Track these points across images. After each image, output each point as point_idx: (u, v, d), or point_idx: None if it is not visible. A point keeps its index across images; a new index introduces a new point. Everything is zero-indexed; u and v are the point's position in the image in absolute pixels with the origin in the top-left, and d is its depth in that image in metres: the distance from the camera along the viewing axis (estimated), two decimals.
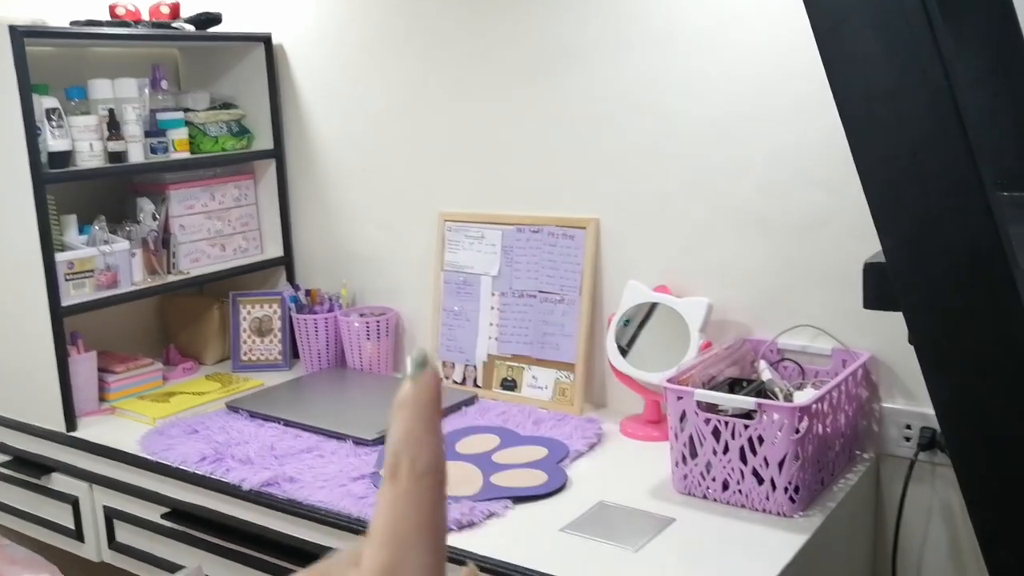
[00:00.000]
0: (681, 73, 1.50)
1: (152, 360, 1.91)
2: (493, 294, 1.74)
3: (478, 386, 1.74)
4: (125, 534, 1.63)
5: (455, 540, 1.19)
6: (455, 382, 1.77)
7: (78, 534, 1.70)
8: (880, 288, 0.72)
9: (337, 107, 1.93)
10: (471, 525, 1.23)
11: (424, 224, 1.84)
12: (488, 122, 1.72)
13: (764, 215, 1.44)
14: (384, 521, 0.33)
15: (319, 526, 1.32)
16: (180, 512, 1.52)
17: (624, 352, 1.53)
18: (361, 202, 1.94)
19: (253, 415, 1.67)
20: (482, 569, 1.15)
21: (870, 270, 0.73)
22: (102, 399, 1.81)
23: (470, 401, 1.68)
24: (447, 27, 1.73)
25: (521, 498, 1.30)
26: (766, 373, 1.32)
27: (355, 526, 1.27)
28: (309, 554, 1.34)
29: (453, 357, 1.78)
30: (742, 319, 1.47)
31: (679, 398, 1.23)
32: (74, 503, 1.69)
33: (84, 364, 1.76)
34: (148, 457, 1.54)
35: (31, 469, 1.74)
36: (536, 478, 1.34)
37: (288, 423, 1.61)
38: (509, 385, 1.71)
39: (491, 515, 1.25)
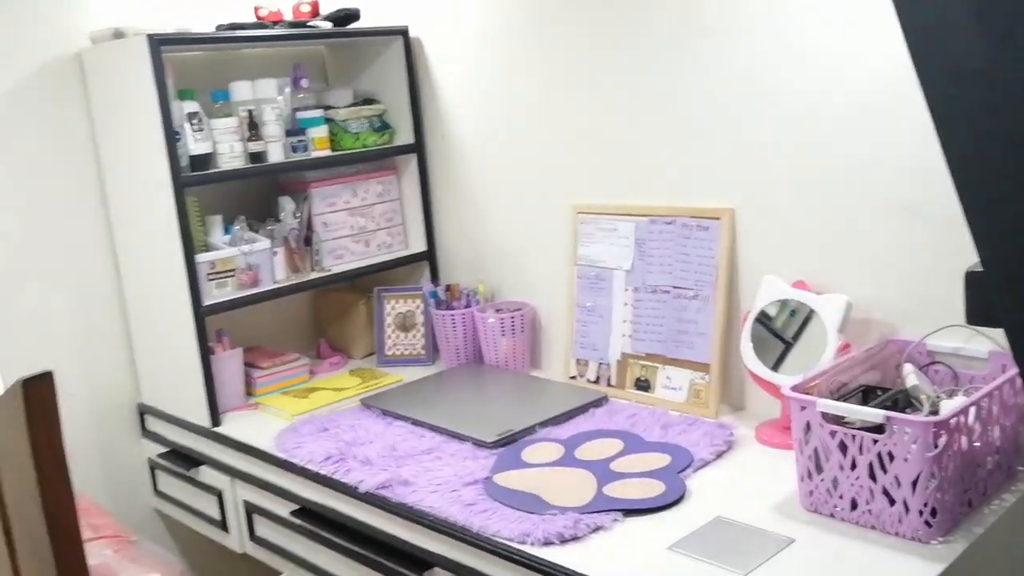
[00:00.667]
0: (820, 54, 1.35)
1: (299, 355, 1.94)
2: (626, 289, 1.65)
3: (612, 385, 1.66)
4: (264, 528, 1.67)
5: (555, 554, 1.12)
6: (589, 381, 1.70)
7: (223, 525, 1.76)
8: (984, 301, 0.59)
9: (473, 99, 1.89)
10: (574, 539, 1.16)
11: (558, 217, 1.77)
12: (621, 111, 1.63)
13: (914, 203, 1.28)
14: None
15: (427, 531, 1.28)
16: (308, 510, 1.53)
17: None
18: (498, 195, 1.89)
19: (385, 413, 1.66)
20: None
21: (973, 280, 0.60)
22: (249, 393, 1.86)
23: (599, 402, 1.60)
24: (581, 16, 1.65)
25: (633, 511, 1.21)
26: (911, 378, 1.16)
27: (459, 534, 1.22)
28: (419, 559, 1.31)
29: (587, 355, 1.70)
30: (888, 318, 1.31)
31: (802, 408, 1.10)
32: (219, 495, 1.75)
33: (229, 361, 1.81)
34: (279, 455, 1.56)
35: (183, 461, 1.82)
36: (652, 489, 1.25)
37: (416, 422, 1.59)
38: (643, 385, 1.61)
39: (597, 528, 1.18)
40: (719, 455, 1.35)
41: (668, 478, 1.28)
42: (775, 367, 1.39)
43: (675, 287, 1.57)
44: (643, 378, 1.61)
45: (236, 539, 1.74)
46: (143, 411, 1.94)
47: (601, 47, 1.63)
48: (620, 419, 1.52)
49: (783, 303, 1.39)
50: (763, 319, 1.41)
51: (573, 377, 1.73)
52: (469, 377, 1.81)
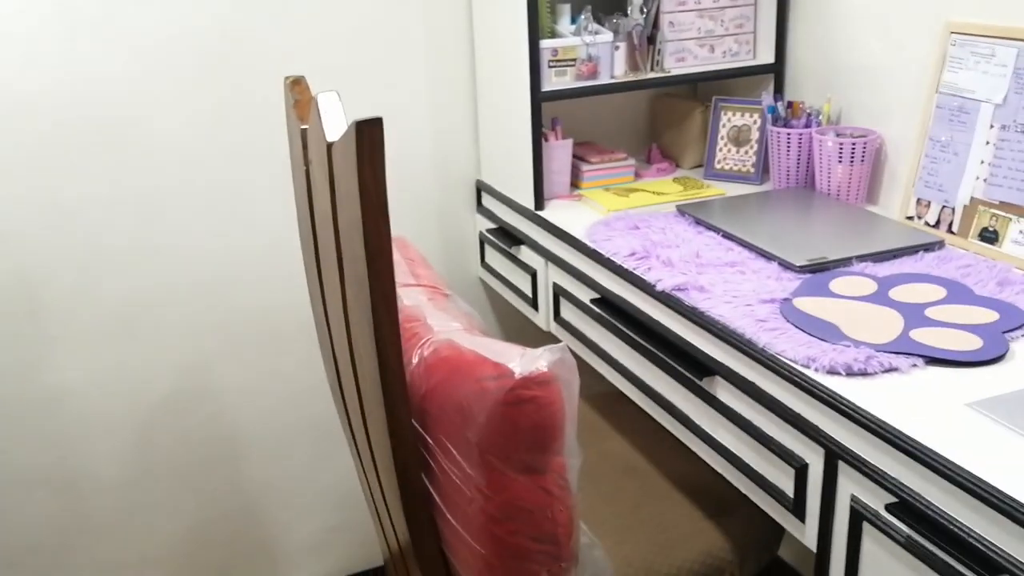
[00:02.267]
0: None
1: (627, 156, 1.95)
2: (992, 126, 1.45)
3: (952, 232, 1.50)
4: (567, 311, 1.74)
5: (838, 384, 1.07)
6: (927, 223, 1.54)
7: (534, 303, 1.86)
8: None
9: None
10: (863, 374, 1.09)
11: (926, 36, 1.57)
12: None
13: None
14: None
15: (713, 338, 1.27)
16: (607, 300, 1.57)
17: None
18: (862, 7, 1.71)
19: (698, 221, 1.63)
20: (856, 423, 1.02)
21: None
22: (574, 185, 1.91)
23: (932, 246, 1.46)
24: None
25: (938, 360, 1.11)
26: None
27: (744, 347, 1.20)
28: (701, 364, 1.30)
29: (930, 196, 1.54)
30: None
31: None
32: (533, 275, 1.84)
33: (559, 150, 1.85)
34: (589, 244, 1.60)
35: (507, 239, 1.92)
36: (967, 342, 1.13)
37: (726, 235, 1.55)
38: (989, 237, 1.44)
39: (891, 369, 1.09)
40: None
41: (990, 335, 1.15)
42: None
43: None
44: (991, 228, 1.44)
45: (543, 317, 1.84)
46: (480, 188, 2.06)
47: None
48: (951, 268, 1.37)
49: None
50: None
51: (910, 217, 1.58)
52: (795, 201, 1.71)
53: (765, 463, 1.20)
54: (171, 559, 2.07)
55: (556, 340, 1.83)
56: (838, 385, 1.07)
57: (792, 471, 1.14)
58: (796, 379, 1.11)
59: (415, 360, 1.24)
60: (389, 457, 1.20)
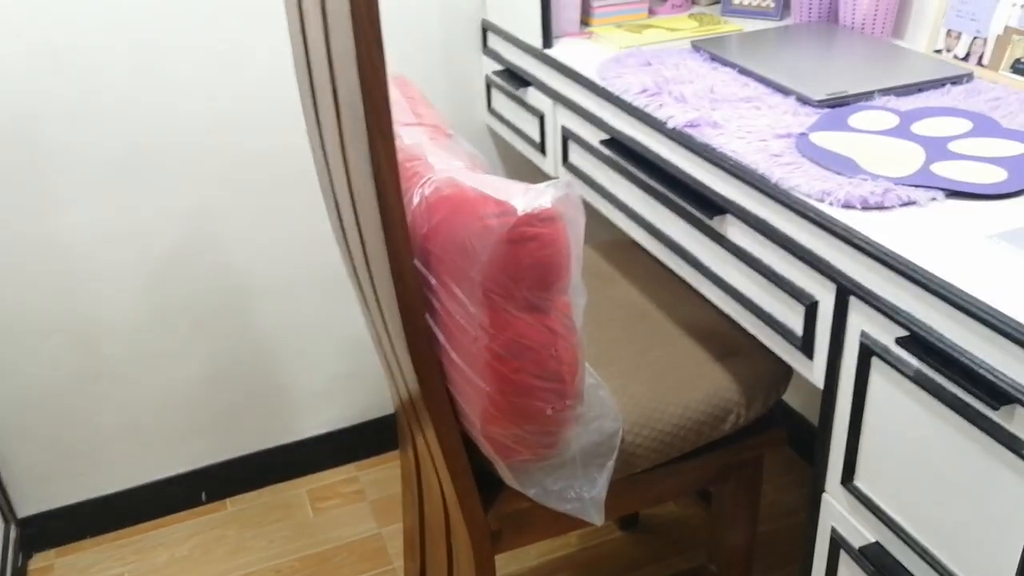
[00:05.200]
0: None
1: None
2: None
3: (983, 64, 1.42)
4: (576, 155, 1.69)
5: (853, 218, 1.03)
6: (956, 57, 1.47)
7: (541, 148, 1.81)
8: None
9: None
10: (879, 207, 1.05)
11: None
12: None
13: None
14: None
15: (725, 175, 1.22)
16: (616, 142, 1.51)
17: None
18: None
19: (713, 57, 1.56)
20: (869, 256, 0.98)
21: None
22: (585, 23, 1.82)
23: (960, 79, 1.38)
24: None
25: (959, 193, 1.06)
26: None
27: (756, 183, 1.15)
28: (713, 203, 1.26)
29: (961, 26, 1.46)
30: None
31: None
32: (541, 118, 1.78)
33: None
34: (598, 82, 1.53)
35: (514, 81, 1.85)
36: (991, 175, 1.08)
37: (742, 70, 1.48)
38: (1022, 68, 1.36)
39: (909, 203, 1.05)
40: None
41: (1015, 167, 1.10)
42: None
43: None
44: None
45: (551, 162, 1.79)
46: (485, 27, 1.98)
47: None
48: (979, 101, 1.31)
49: None
50: None
51: (938, 51, 1.50)
52: (817, 35, 1.63)
53: (775, 302, 1.18)
54: (186, 404, 2.10)
55: None
56: (853, 219, 1.03)
57: (802, 308, 1.12)
58: (809, 214, 1.07)
59: (416, 199, 1.21)
60: (393, 299, 1.19)
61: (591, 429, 1.31)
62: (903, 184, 1.07)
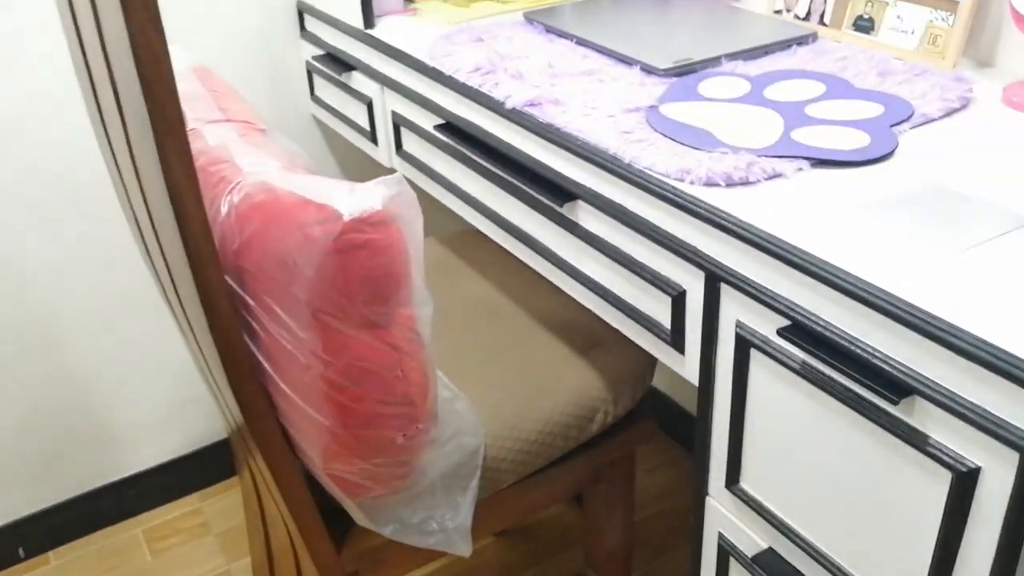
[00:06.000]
0: None
1: None
2: None
3: (824, 24, 1.36)
4: (410, 143, 1.54)
5: (717, 196, 0.93)
6: (797, 17, 1.40)
7: (372, 136, 1.65)
8: None
9: None
10: (744, 183, 0.95)
11: None
12: None
13: None
14: None
15: (572, 157, 1.11)
16: (452, 126, 1.38)
17: None
18: None
19: (548, 29, 1.44)
20: (740, 239, 0.88)
21: None
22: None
23: (805, 39, 1.32)
24: None
25: (824, 162, 0.98)
26: None
27: (608, 164, 1.04)
28: (561, 189, 1.15)
29: None
30: None
31: None
32: (368, 104, 1.62)
33: None
34: (428, 63, 1.39)
35: (337, 65, 1.69)
36: (854, 140, 1.01)
37: (580, 41, 1.37)
38: (864, 26, 1.31)
39: (775, 176, 0.96)
40: (948, 113, 1.08)
41: (876, 130, 1.03)
42: None
43: None
44: (866, 16, 1.30)
45: (384, 152, 1.64)
46: (301, 9, 1.80)
47: None
48: (827, 61, 1.24)
49: None
50: None
51: (778, 11, 1.43)
52: (654, 1, 1.54)
53: (638, 292, 1.07)
54: None
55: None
56: (717, 198, 0.93)
57: (668, 299, 1.02)
58: (669, 195, 0.96)
59: (224, 209, 1.04)
60: (204, 325, 1.02)
61: (449, 450, 1.18)
62: (766, 155, 0.98)
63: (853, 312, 0.79)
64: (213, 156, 1.11)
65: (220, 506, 2.06)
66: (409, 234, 0.96)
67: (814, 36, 1.32)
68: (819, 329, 0.82)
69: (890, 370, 0.76)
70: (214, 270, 0.97)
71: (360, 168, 2.03)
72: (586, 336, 1.40)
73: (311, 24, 1.79)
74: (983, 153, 0.99)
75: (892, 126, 1.04)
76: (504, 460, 1.25)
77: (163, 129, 0.88)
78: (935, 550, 0.78)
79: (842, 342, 0.80)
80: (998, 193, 0.90)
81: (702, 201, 0.93)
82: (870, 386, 0.77)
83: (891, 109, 1.07)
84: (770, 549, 1.00)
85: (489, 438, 1.24)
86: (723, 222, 0.90)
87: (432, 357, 1.07)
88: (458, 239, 1.74)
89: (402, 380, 1.02)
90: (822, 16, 1.36)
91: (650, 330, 1.07)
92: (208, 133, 1.16)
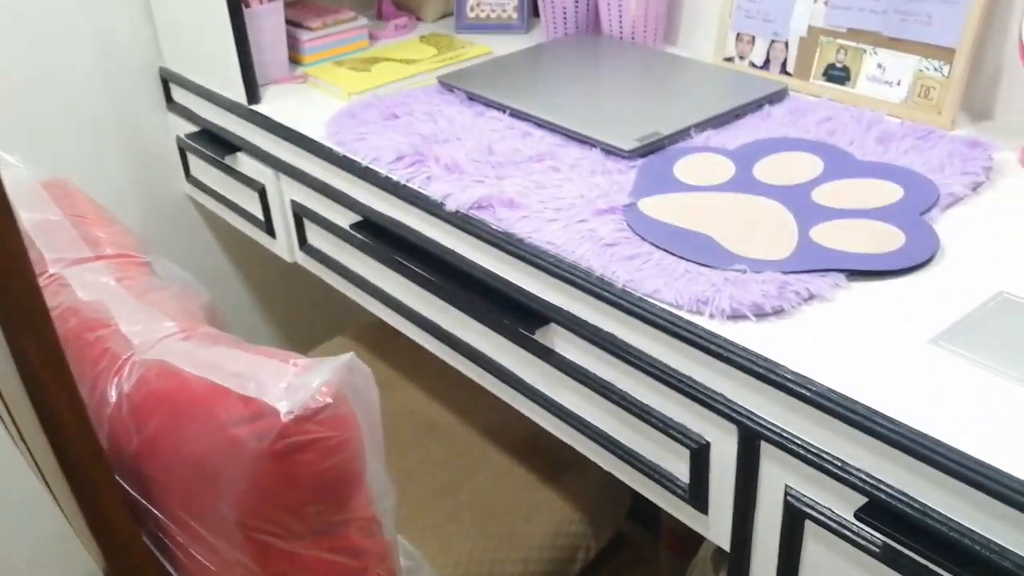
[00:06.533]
0: None
1: (355, 14, 1.49)
2: None
3: (788, 73, 1.20)
4: (316, 237, 1.31)
5: (747, 333, 0.74)
6: (753, 65, 1.24)
7: (269, 228, 1.41)
8: None
9: None
10: (778, 312, 0.77)
11: None
12: None
13: None
14: None
15: (545, 276, 0.91)
16: (373, 224, 1.16)
17: None
18: None
19: (471, 97, 1.23)
20: (787, 392, 0.70)
21: None
22: (295, 61, 1.44)
23: (779, 96, 1.15)
24: None
25: (861, 272, 0.81)
26: None
27: (595, 288, 0.84)
28: (532, 311, 0.94)
29: (754, 28, 1.23)
30: None
31: None
32: (261, 191, 1.38)
33: (268, 17, 1.36)
34: (335, 149, 1.16)
35: (217, 146, 1.43)
36: (887, 238, 0.84)
37: (515, 113, 1.17)
38: (838, 76, 1.15)
39: (811, 298, 0.78)
40: (976, 187, 0.93)
41: (908, 223, 0.86)
42: None
43: None
44: (839, 64, 1.15)
45: (284, 246, 1.40)
46: (166, 78, 1.54)
47: None
48: (809, 124, 1.08)
49: None
50: None
51: (729, 59, 1.27)
52: (581, 52, 1.35)
53: (642, 439, 0.88)
54: None
55: (307, 274, 1.40)
56: (748, 335, 0.75)
57: (686, 452, 0.83)
58: (686, 335, 0.77)
59: (112, 395, 0.79)
60: (99, 553, 0.77)
61: None
62: (793, 271, 0.80)
63: (963, 497, 0.61)
64: (87, 317, 0.86)
65: None
66: (366, 420, 0.74)
67: (784, 91, 1.16)
68: (907, 511, 0.64)
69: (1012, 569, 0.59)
70: (108, 490, 0.73)
71: (253, 256, 1.77)
72: (552, 455, 1.20)
73: (179, 95, 1.53)
74: None
75: (923, 213, 0.88)
76: None
77: (13, 306, 0.64)
78: None
79: (937, 525, 0.62)
80: None
81: (732, 343, 0.74)
82: None
83: (913, 190, 0.91)
84: None
85: None
86: (762, 370, 0.72)
87: (395, 545, 0.85)
88: (371, 334, 1.52)
89: None
90: (784, 65, 1.20)
91: (658, 482, 0.88)
92: (76, 281, 0.91)
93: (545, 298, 0.92)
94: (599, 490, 1.17)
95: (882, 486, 0.66)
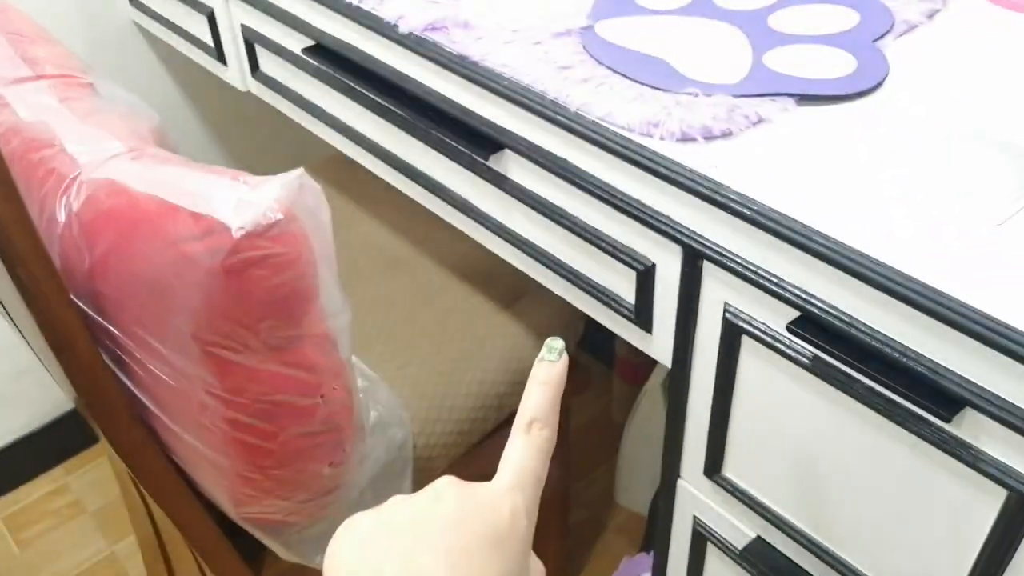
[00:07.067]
0: None
1: None
2: None
3: None
4: (269, 63, 1.28)
5: (695, 155, 0.75)
6: None
7: (219, 55, 1.37)
8: None
9: None
10: (726, 135, 0.78)
11: None
12: None
13: None
14: (517, 464, 0.49)
15: (499, 100, 0.90)
16: (325, 48, 1.13)
17: None
18: None
19: None
20: (731, 212, 0.72)
21: None
22: None
23: None
24: None
25: (810, 96, 0.82)
26: None
27: (548, 112, 0.84)
28: (485, 136, 0.94)
29: None
30: None
31: None
32: (209, 15, 1.34)
33: None
34: None
35: None
36: (838, 64, 0.84)
37: None
38: None
39: (760, 121, 0.79)
40: (931, 15, 0.93)
41: (860, 48, 0.86)
42: None
43: None
44: None
45: (236, 74, 1.37)
46: None
47: None
48: None
49: None
50: None
51: None
52: None
53: (590, 262, 0.90)
54: None
55: (264, 107, 1.37)
56: (696, 157, 0.76)
57: (632, 273, 0.85)
58: (636, 156, 0.78)
59: (61, 216, 0.79)
60: (61, 372, 0.79)
61: (377, 453, 1.01)
62: (744, 95, 0.81)
63: (896, 312, 0.64)
64: (30, 137, 0.85)
65: (89, 479, 1.84)
66: (317, 237, 0.75)
67: None
68: (835, 323, 0.67)
69: (941, 381, 0.63)
70: (63, 309, 0.74)
71: (206, 84, 1.73)
72: (507, 285, 1.23)
73: None
74: (984, 70, 0.84)
75: (875, 40, 0.88)
76: (435, 447, 1.09)
77: None
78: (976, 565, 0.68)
79: (882, 348, 0.66)
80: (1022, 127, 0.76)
81: (680, 165, 0.75)
82: (920, 402, 0.64)
83: (868, 17, 0.91)
84: (759, 538, 0.90)
85: (416, 424, 1.07)
86: (709, 192, 0.73)
87: (350, 364, 0.88)
88: (332, 167, 1.51)
89: (323, 405, 0.83)
90: None
91: (606, 304, 0.91)
92: (17, 100, 0.89)
93: (499, 123, 0.92)
94: (552, 317, 1.20)
95: (813, 300, 0.69)
